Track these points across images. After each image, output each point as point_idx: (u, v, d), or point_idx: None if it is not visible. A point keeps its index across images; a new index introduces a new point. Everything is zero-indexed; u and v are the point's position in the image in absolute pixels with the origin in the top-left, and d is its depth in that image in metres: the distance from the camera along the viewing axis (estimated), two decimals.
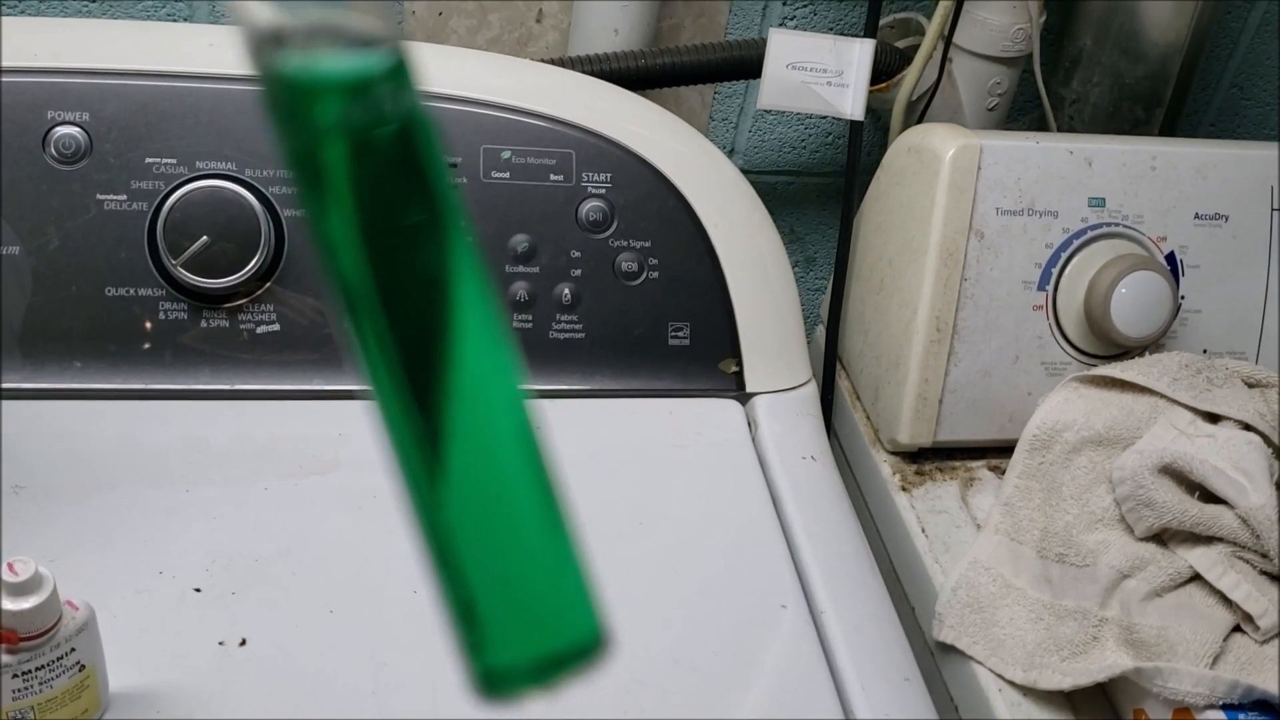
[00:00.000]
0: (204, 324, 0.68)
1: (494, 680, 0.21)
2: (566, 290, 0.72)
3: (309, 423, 0.68)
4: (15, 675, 0.48)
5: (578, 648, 0.22)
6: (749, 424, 0.73)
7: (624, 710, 0.56)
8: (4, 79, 0.66)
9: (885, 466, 0.79)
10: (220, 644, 0.56)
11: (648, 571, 0.63)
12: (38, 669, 0.48)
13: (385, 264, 0.22)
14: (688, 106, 0.97)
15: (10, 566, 0.46)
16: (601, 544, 0.64)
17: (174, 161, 0.67)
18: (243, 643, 0.56)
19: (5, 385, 0.66)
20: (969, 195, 0.76)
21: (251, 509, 0.63)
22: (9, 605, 0.46)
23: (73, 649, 0.49)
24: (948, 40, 0.87)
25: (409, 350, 0.22)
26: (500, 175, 0.72)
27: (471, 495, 0.22)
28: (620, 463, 0.69)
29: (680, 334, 0.74)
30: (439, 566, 0.21)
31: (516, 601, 0.21)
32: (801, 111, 0.84)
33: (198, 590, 0.58)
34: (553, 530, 0.22)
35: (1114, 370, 0.75)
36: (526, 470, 0.23)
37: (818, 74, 0.82)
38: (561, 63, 0.82)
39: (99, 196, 0.67)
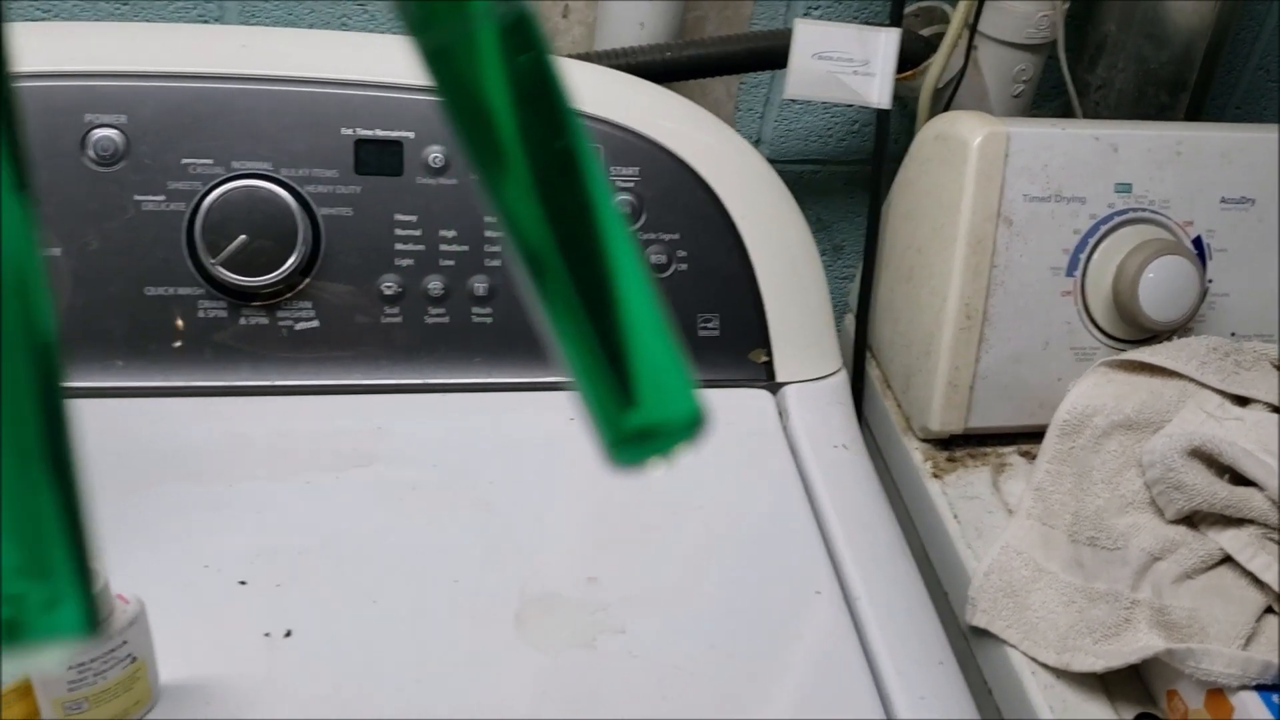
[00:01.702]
0: (243, 321, 0.69)
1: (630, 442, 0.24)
2: None
3: (348, 417, 0.69)
4: (70, 667, 0.49)
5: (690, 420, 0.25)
6: (779, 413, 0.74)
7: (662, 695, 0.57)
8: (42, 83, 0.67)
9: (916, 454, 0.80)
10: (266, 635, 0.57)
11: (682, 559, 0.64)
12: (91, 661, 0.49)
13: (550, 195, 0.24)
14: (713, 97, 0.97)
15: None
16: (635, 533, 0.65)
17: (210, 162, 0.68)
18: (288, 634, 0.57)
19: None
20: (997, 182, 0.77)
21: (293, 503, 0.64)
22: None
23: (124, 641, 0.50)
24: (973, 28, 0.87)
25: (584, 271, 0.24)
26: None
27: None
28: None
29: (710, 325, 0.74)
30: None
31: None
32: (828, 101, 0.85)
33: (243, 583, 0.59)
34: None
35: (1142, 355, 0.75)
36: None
37: (844, 63, 0.82)
38: (588, 57, 0.83)
39: (137, 197, 0.68)
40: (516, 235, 0.24)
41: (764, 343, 0.75)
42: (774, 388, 0.75)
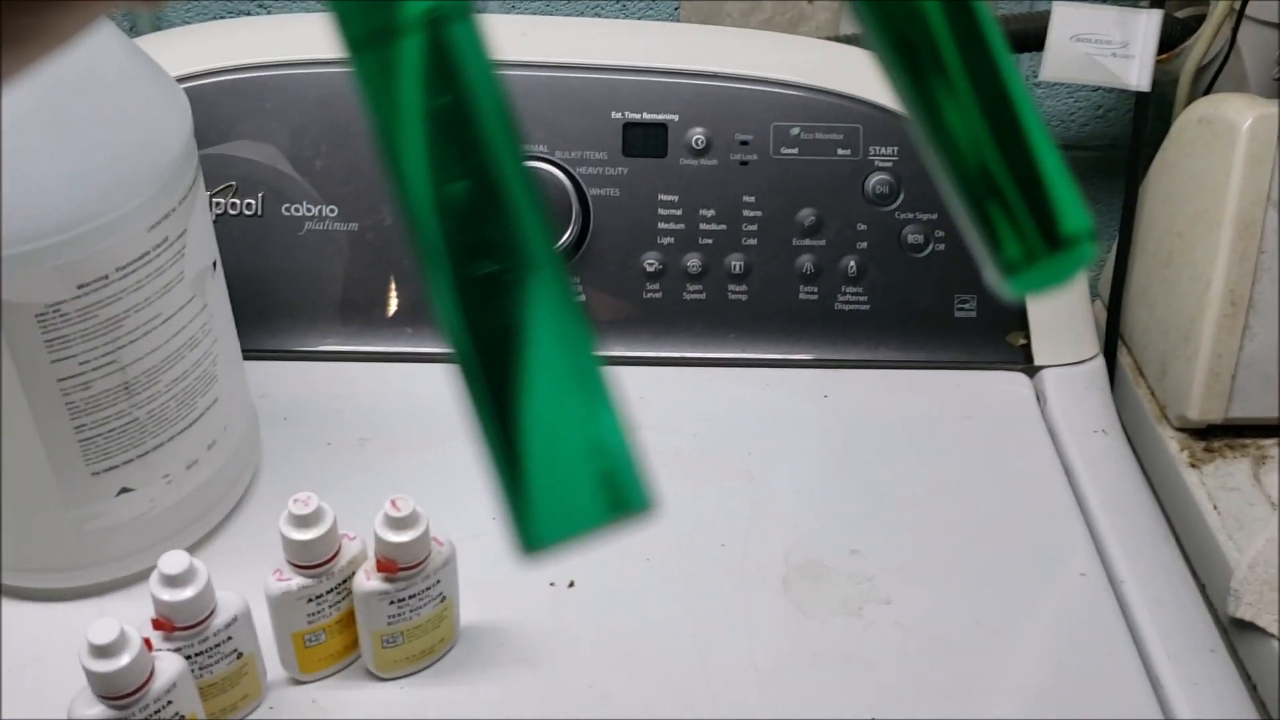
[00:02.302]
0: None
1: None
2: (852, 262, 0.74)
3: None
4: (393, 601, 0.53)
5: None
6: (1037, 397, 0.74)
7: (930, 665, 0.58)
8: (312, 70, 0.72)
9: (1172, 443, 0.78)
10: (551, 585, 0.61)
11: (943, 535, 0.64)
12: (410, 597, 0.54)
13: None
14: None
15: (393, 503, 0.52)
16: (895, 508, 0.66)
17: None
18: (571, 584, 0.61)
19: (343, 349, 0.73)
20: (1267, 166, 0.74)
21: None
22: (391, 538, 0.52)
23: (438, 581, 0.55)
24: (1240, 9, 0.85)
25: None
26: (789, 151, 0.74)
27: None
28: (909, 434, 0.71)
29: (967, 306, 0.75)
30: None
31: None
32: (1084, 84, 0.84)
33: None
34: None
35: None
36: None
37: (1102, 45, 0.81)
38: (839, 39, 0.84)
39: None
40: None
41: (1022, 325, 0.75)
42: (1031, 371, 0.75)
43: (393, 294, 0.73)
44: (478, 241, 0.21)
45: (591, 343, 0.23)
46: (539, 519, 0.22)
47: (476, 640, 0.58)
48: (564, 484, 0.23)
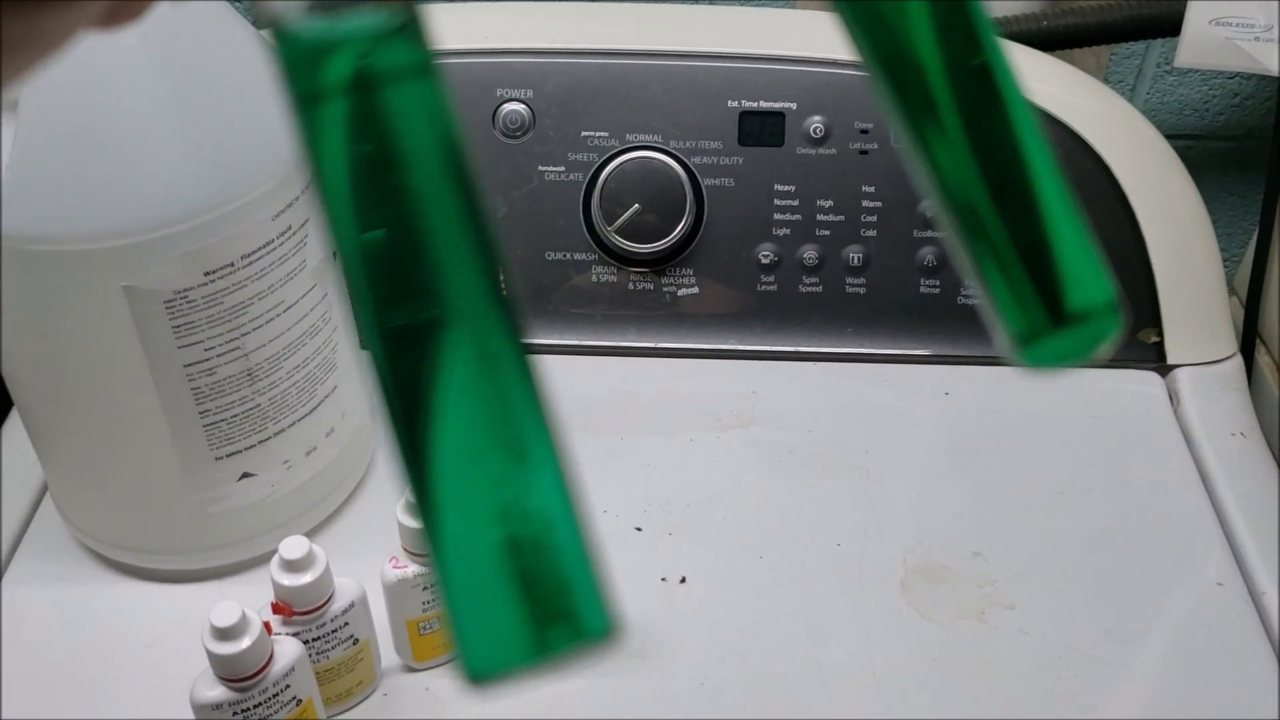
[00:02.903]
0: (631, 286, 0.73)
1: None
2: None
3: (725, 380, 0.71)
4: None
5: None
6: (1170, 397, 0.71)
7: (1056, 674, 0.55)
8: (460, 60, 0.73)
9: None
10: (663, 580, 0.60)
11: (1071, 540, 0.62)
12: None
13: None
14: (1082, 69, 0.93)
15: None
16: (1019, 511, 0.63)
17: (606, 134, 0.72)
18: (683, 580, 0.60)
19: None
20: None
21: (679, 458, 0.67)
22: None
23: None
24: None
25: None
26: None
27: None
28: (1034, 434, 0.68)
29: None
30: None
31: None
32: (1224, 70, 0.80)
33: (638, 529, 0.63)
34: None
35: None
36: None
37: (1244, 30, 0.77)
38: None
39: (540, 168, 0.73)
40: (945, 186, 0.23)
41: (1155, 322, 0.71)
42: (1164, 370, 0.72)
43: (508, 285, 0.73)
44: (397, 290, 0.20)
45: (532, 400, 0.21)
46: (468, 634, 0.20)
47: None
48: (483, 579, 0.20)
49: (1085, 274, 0.24)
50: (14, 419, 0.69)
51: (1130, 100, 0.95)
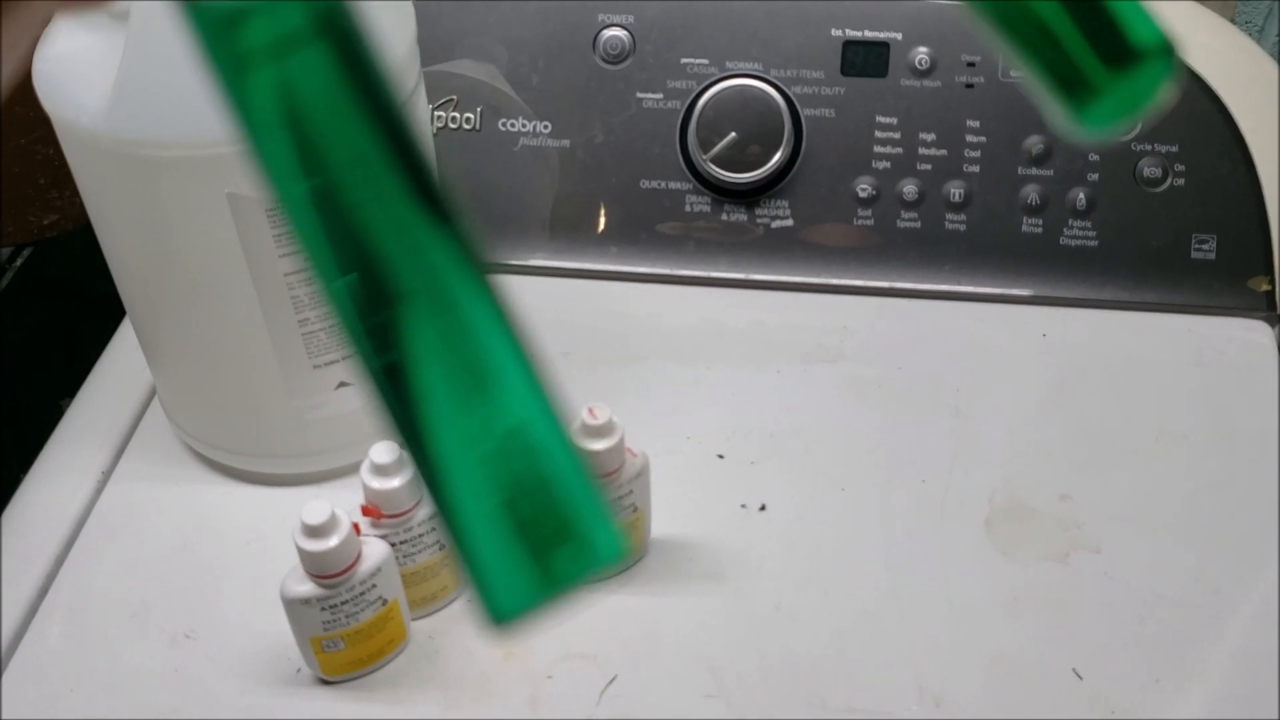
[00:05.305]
0: (724, 216, 0.73)
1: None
2: (1081, 195, 0.70)
3: (815, 314, 0.71)
4: None
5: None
6: (1279, 347, 0.68)
7: (1140, 619, 0.55)
8: None
9: None
10: (742, 506, 0.60)
11: (1164, 487, 0.61)
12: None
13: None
14: (1209, 7, 0.89)
15: (590, 410, 0.53)
16: (1112, 455, 0.62)
17: (706, 62, 0.72)
18: (762, 508, 0.60)
19: (550, 264, 0.74)
20: None
21: (765, 388, 0.67)
22: (587, 445, 0.53)
23: (630, 490, 0.55)
24: None
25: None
26: (1018, 74, 0.70)
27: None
28: (1133, 379, 0.66)
29: (1205, 246, 0.69)
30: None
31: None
32: None
33: (720, 457, 0.63)
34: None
35: None
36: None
37: None
38: None
39: (639, 95, 0.72)
40: None
41: (1267, 269, 0.69)
42: (1273, 319, 0.69)
43: (601, 212, 0.73)
44: (346, 258, 0.21)
45: (496, 333, 0.21)
46: (480, 578, 0.20)
47: (667, 554, 0.58)
48: (484, 522, 0.20)
49: (1135, 19, 0.24)
50: (125, 326, 0.72)
51: (1258, 42, 0.91)
